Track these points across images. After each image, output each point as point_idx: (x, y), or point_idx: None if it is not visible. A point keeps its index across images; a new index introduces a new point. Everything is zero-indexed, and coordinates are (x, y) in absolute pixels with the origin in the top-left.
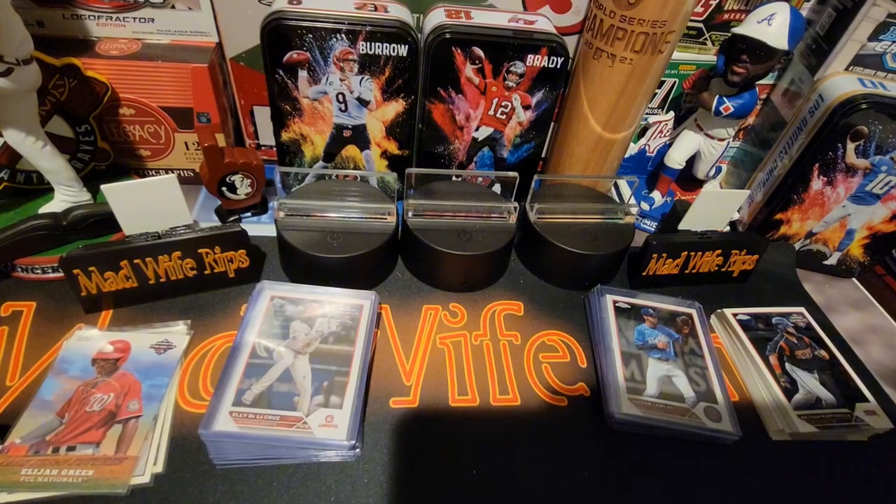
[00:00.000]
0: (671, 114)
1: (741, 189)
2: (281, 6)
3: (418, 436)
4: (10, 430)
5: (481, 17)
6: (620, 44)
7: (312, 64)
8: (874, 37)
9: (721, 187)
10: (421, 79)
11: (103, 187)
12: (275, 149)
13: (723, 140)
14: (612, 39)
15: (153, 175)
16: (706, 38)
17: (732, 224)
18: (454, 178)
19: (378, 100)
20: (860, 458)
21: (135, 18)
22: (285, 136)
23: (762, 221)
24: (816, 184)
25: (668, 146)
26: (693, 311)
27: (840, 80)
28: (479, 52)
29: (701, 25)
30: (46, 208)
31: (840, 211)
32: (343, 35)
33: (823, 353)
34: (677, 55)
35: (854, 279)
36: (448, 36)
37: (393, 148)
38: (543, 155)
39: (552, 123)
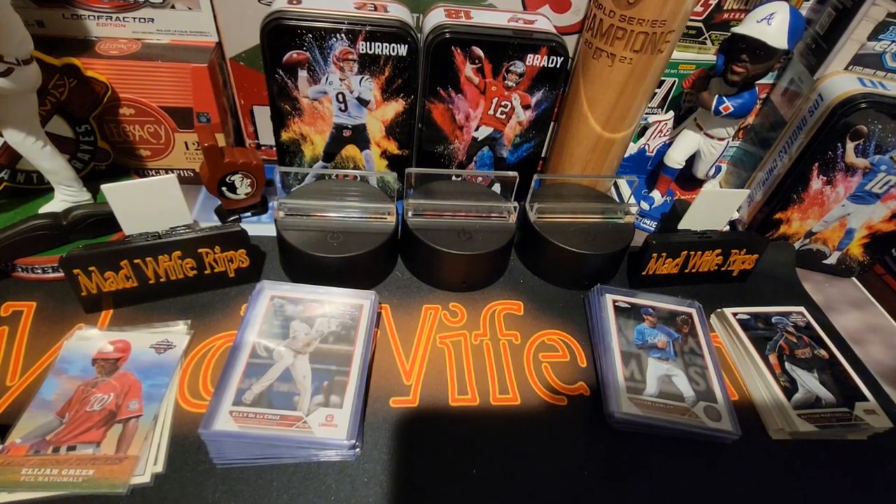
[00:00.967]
0: (671, 113)
1: (741, 188)
2: (281, 6)
3: (418, 435)
4: (10, 429)
5: (481, 17)
6: (620, 43)
7: (312, 64)
8: (874, 36)
9: (721, 187)
10: (421, 78)
11: (103, 187)
12: (275, 149)
13: (722, 139)
14: (612, 39)
15: (153, 175)
16: (706, 38)
17: (732, 223)
18: (454, 178)
19: (378, 99)
20: (860, 457)
21: (135, 18)
22: (285, 135)
23: (762, 221)
24: (816, 183)
25: (667, 146)
26: (693, 311)
27: (839, 80)
28: (478, 51)
29: (700, 25)
30: (46, 208)
31: (839, 210)
32: (343, 35)
33: (823, 352)
34: (677, 55)
35: (854, 278)
36: (448, 36)
37: (393, 148)
38: (543, 154)
39: (552, 123)
